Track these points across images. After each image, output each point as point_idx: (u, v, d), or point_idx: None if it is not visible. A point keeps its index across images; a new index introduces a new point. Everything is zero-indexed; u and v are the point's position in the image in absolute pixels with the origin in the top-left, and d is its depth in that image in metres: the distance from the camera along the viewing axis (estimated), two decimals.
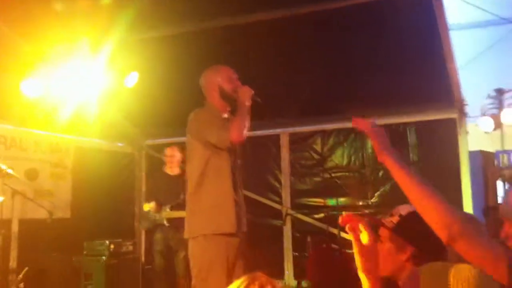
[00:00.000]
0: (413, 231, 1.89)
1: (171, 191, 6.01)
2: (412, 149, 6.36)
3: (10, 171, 4.92)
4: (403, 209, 1.98)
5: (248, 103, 3.31)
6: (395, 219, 1.96)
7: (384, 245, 1.96)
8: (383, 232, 1.99)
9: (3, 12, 5.13)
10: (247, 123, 3.25)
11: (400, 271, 1.94)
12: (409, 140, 6.38)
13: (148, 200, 6.22)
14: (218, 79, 3.46)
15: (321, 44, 5.48)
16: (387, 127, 6.05)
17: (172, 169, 6.27)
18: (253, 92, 3.33)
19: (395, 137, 6.21)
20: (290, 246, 6.81)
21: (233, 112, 3.43)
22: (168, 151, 6.33)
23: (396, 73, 5.31)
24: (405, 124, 6.41)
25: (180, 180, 5.79)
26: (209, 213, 3.26)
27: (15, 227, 5.77)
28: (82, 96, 5.41)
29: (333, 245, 6.10)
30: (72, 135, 6.64)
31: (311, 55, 5.63)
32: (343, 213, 1.67)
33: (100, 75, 5.29)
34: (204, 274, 3.20)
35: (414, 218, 1.77)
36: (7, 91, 5.56)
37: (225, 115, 3.47)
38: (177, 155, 6.20)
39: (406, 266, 1.93)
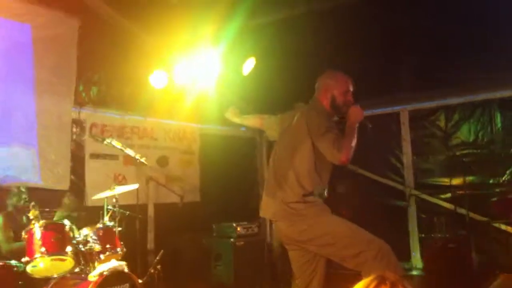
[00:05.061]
0: None
1: None
2: None
3: (143, 160, 5.27)
4: None
5: (357, 124, 3.31)
6: None
7: None
8: None
9: (128, 10, 5.50)
10: (354, 144, 3.25)
11: None
12: None
13: None
14: (334, 90, 3.49)
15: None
16: None
17: None
18: (363, 114, 3.33)
19: None
20: (416, 228, 6.60)
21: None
22: None
23: None
24: None
25: None
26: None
27: (150, 211, 6.23)
28: (203, 85, 5.64)
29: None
30: (197, 123, 6.98)
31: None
32: None
33: (219, 63, 5.47)
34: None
35: None
36: (135, 84, 5.98)
37: (336, 118, 3.50)
38: None
39: None
